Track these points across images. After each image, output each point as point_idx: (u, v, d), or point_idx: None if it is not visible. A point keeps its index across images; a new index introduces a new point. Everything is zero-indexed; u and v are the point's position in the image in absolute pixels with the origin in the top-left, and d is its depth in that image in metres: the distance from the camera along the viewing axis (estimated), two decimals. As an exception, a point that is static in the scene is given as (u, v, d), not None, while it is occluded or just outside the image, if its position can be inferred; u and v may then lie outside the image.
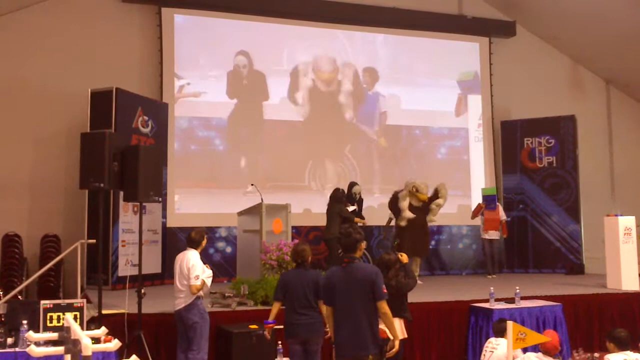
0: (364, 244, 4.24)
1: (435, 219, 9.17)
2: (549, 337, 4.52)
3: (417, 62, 10.95)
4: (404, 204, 8.62)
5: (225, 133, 9.79)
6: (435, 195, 9.00)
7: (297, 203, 8.81)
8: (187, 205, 9.34)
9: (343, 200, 8.48)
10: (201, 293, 5.34)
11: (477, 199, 10.27)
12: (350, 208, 8.61)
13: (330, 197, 8.52)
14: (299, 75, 10.25)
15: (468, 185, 10.89)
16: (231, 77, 9.86)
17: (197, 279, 5.21)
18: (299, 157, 10.10)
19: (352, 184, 9.17)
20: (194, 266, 5.24)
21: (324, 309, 4.58)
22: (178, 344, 5.40)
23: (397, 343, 4.16)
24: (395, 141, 10.68)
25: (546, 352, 4.51)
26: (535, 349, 4.73)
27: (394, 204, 8.87)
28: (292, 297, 4.85)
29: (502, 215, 9.84)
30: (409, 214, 8.56)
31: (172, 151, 9.28)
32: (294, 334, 4.82)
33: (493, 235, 9.69)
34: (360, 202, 9.10)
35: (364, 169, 10.38)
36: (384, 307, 4.01)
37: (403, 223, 8.59)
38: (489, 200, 9.73)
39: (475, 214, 9.89)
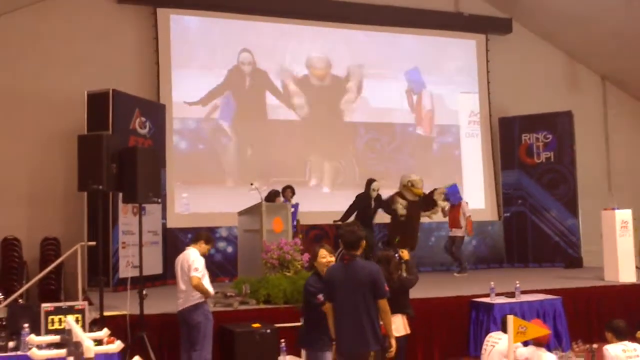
0: (364, 242, 4.25)
1: (432, 216, 9.22)
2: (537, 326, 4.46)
3: (411, 59, 10.95)
4: (398, 207, 8.74)
5: (225, 132, 9.77)
6: (431, 196, 9.00)
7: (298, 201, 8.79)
8: (188, 204, 9.35)
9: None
10: (210, 291, 5.28)
11: (467, 193, 10.24)
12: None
13: (266, 198, 8.02)
14: (295, 73, 10.24)
15: (460, 180, 10.85)
16: (231, 76, 9.86)
17: (197, 270, 5.19)
18: (298, 154, 10.11)
19: (370, 181, 8.96)
20: (194, 261, 5.25)
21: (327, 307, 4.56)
22: (181, 344, 5.38)
23: (393, 341, 4.17)
24: (391, 137, 10.72)
25: (537, 343, 4.50)
26: (525, 342, 4.68)
27: (389, 203, 8.93)
28: None
29: (466, 211, 9.39)
30: (403, 211, 8.72)
31: (171, 152, 9.27)
32: None
33: (456, 232, 9.38)
34: (378, 199, 8.94)
35: (362, 165, 10.39)
36: (384, 305, 4.03)
37: (403, 213, 8.70)
38: (445, 195, 9.22)
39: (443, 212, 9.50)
